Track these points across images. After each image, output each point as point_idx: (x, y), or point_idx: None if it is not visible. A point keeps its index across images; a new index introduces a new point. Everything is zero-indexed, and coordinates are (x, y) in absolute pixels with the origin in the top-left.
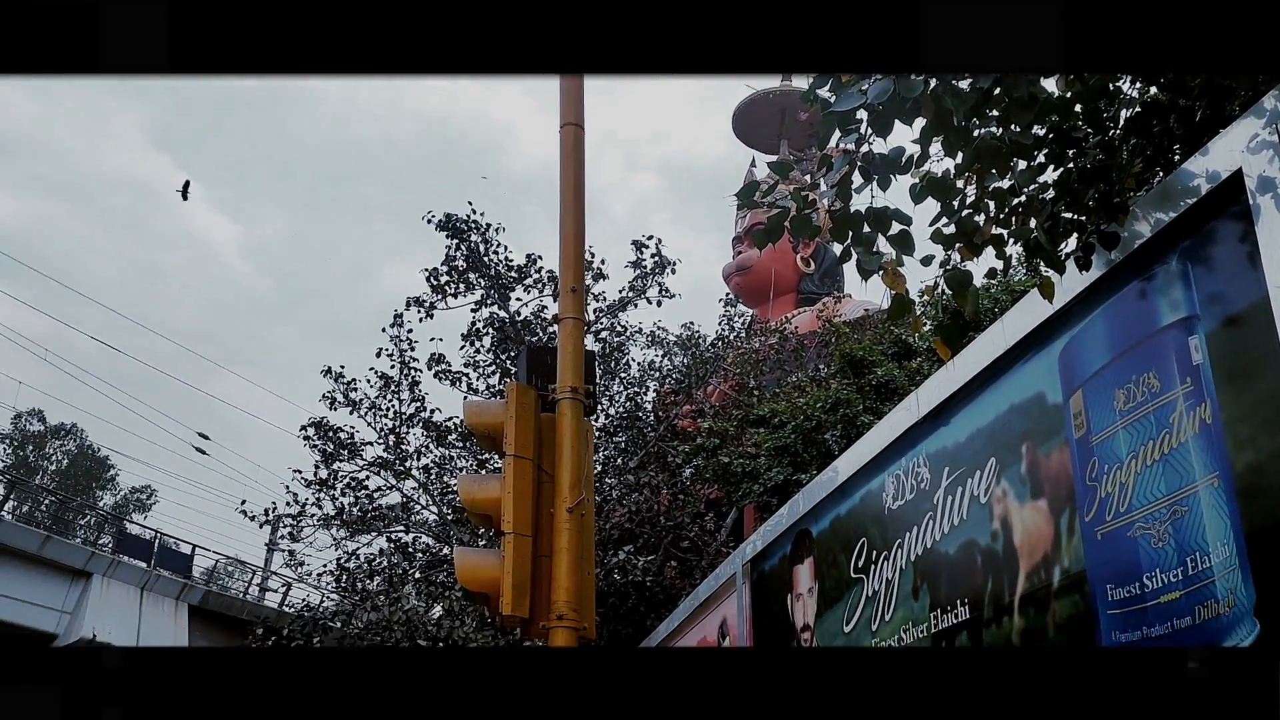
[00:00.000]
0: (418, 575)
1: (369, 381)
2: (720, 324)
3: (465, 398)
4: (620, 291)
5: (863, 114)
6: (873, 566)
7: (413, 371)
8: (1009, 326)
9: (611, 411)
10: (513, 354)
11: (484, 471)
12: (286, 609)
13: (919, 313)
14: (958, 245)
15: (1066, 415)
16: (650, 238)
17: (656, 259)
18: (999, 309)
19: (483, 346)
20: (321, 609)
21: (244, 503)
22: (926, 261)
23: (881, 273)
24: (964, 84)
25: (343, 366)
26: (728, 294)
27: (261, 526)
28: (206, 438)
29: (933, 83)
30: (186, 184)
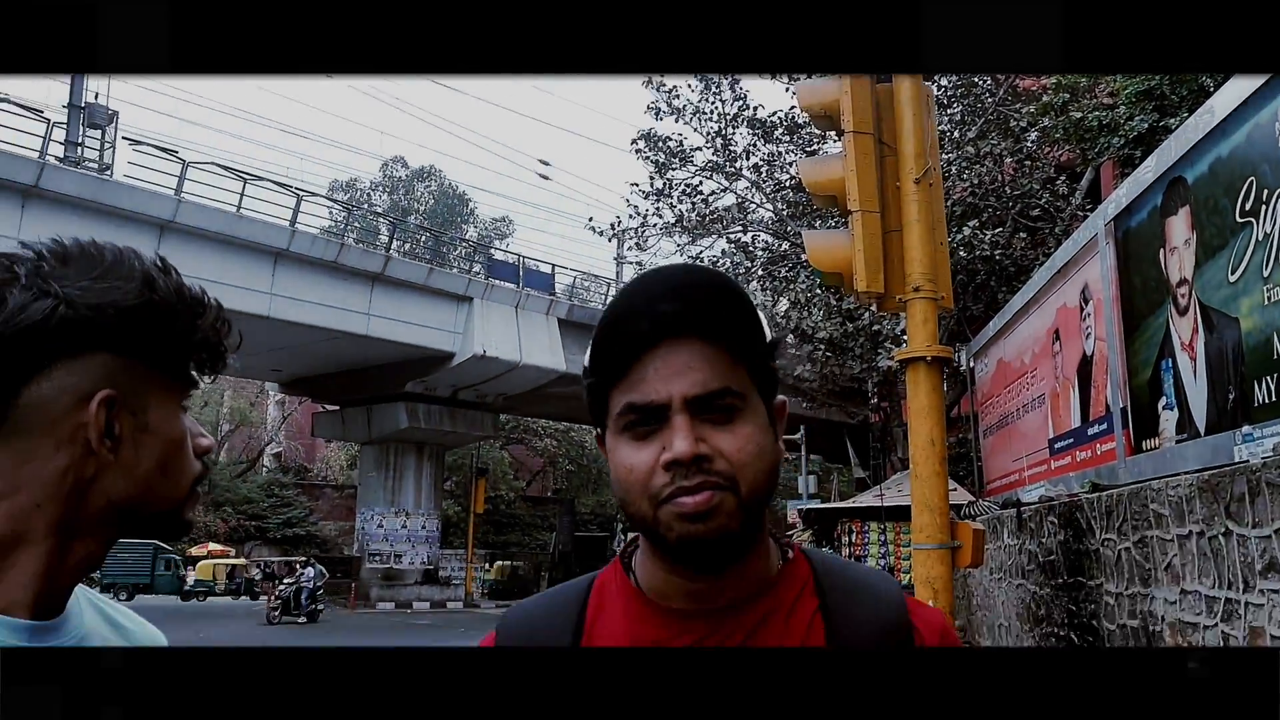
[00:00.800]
0: (760, 272)
1: (690, 86)
2: None
3: (786, 89)
4: None
5: None
6: (1263, 207)
7: None
8: None
9: (943, 82)
10: None
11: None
12: None
13: None
14: None
15: None
16: None
17: None
18: None
19: None
20: None
21: (591, 219)
22: None
23: None
24: None
25: (662, 74)
26: None
27: (609, 240)
28: (547, 164)
29: None
30: None
